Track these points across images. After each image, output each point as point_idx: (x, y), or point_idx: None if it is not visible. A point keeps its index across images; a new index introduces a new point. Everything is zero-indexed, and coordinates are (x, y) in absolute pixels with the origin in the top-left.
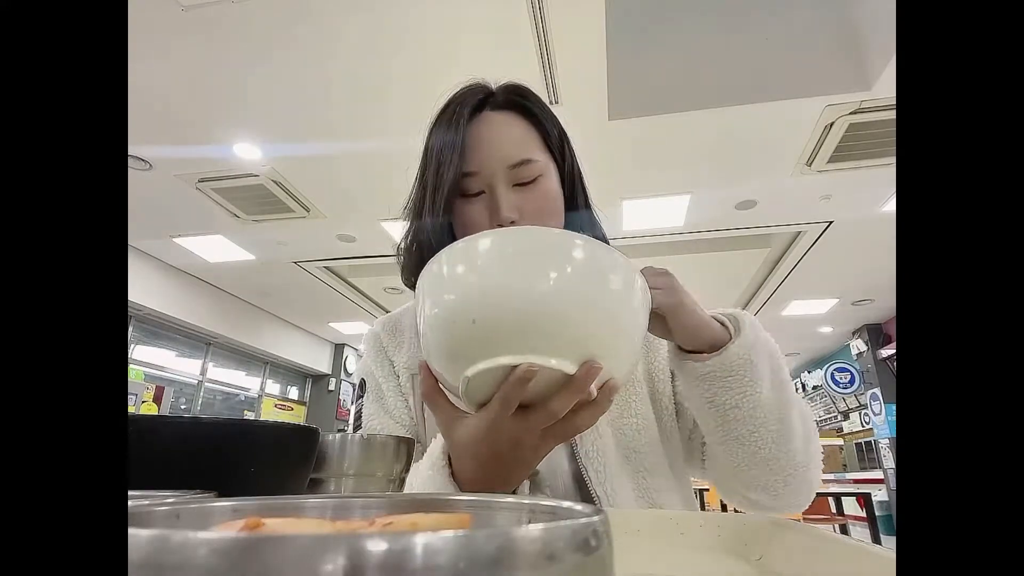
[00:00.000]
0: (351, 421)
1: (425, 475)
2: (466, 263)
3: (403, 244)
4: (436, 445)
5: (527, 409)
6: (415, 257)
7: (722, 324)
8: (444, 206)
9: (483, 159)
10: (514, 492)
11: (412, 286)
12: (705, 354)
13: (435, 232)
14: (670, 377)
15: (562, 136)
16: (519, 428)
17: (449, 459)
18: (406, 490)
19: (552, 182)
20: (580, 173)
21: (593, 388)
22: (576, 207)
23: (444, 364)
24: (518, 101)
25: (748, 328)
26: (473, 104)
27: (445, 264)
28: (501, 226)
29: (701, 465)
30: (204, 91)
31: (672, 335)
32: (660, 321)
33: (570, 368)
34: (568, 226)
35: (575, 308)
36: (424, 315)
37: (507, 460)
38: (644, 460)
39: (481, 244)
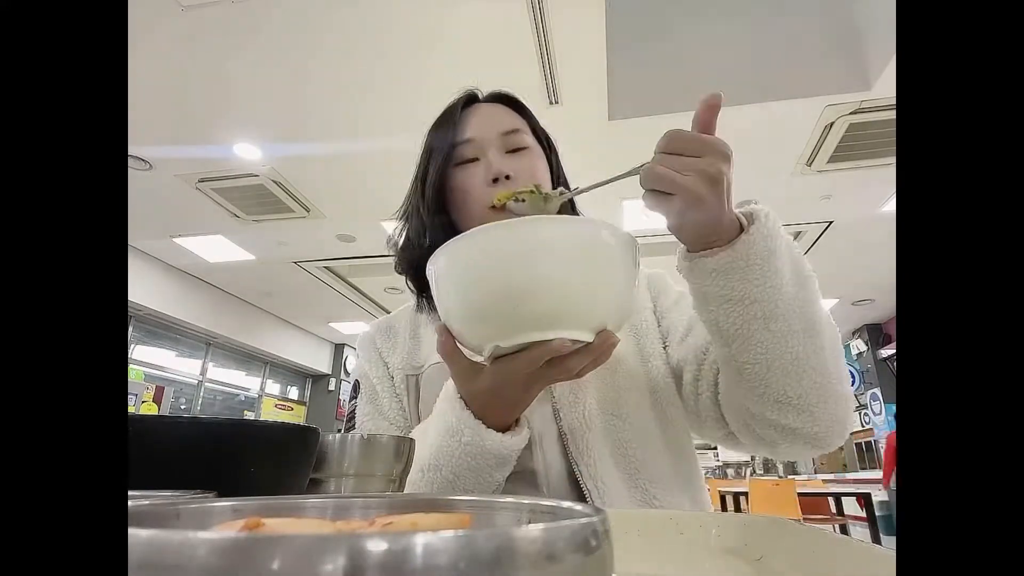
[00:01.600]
0: (344, 422)
1: (444, 407)
2: (500, 253)
3: (399, 239)
4: (449, 388)
5: (548, 363)
6: (413, 244)
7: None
8: (440, 175)
9: (476, 127)
10: (516, 423)
11: (409, 273)
12: (716, 248)
13: (432, 205)
14: (660, 342)
15: (548, 137)
16: (535, 376)
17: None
18: (416, 433)
19: (542, 159)
20: (564, 177)
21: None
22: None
23: (475, 336)
24: (507, 97)
25: (764, 218)
26: (465, 100)
27: (479, 252)
28: (496, 181)
29: (717, 413)
30: (204, 91)
31: (679, 233)
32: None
33: (588, 337)
34: None
35: (597, 289)
36: (453, 297)
37: (516, 399)
38: (634, 450)
39: (519, 232)
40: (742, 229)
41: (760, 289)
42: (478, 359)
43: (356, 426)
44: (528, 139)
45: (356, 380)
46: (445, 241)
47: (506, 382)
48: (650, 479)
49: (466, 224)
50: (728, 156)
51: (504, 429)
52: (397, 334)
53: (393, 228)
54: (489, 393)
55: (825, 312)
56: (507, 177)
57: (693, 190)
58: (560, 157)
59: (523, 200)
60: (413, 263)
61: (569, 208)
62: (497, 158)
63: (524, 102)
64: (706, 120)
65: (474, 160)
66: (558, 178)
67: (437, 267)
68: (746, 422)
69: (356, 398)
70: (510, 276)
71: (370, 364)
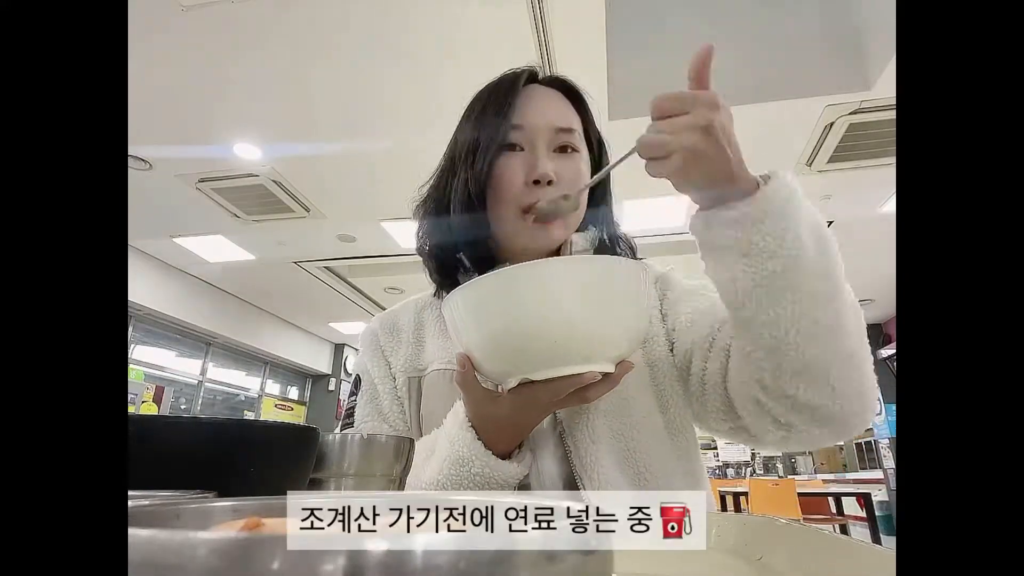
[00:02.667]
0: (341, 417)
1: (453, 436)
2: (539, 289)
3: (424, 244)
4: (459, 412)
5: (572, 393)
6: (443, 231)
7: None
8: (489, 157)
9: (531, 114)
10: (519, 448)
11: (433, 262)
12: (733, 201)
13: (471, 187)
14: (667, 344)
15: (601, 142)
16: (553, 405)
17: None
18: (419, 458)
19: (587, 166)
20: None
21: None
22: (604, 204)
23: (501, 367)
24: (571, 87)
25: (783, 175)
26: (525, 76)
27: (511, 289)
28: (538, 183)
29: (726, 400)
30: (204, 91)
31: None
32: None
33: (610, 368)
34: (592, 223)
35: (620, 325)
36: (477, 335)
37: (529, 424)
38: (643, 461)
39: (548, 273)
40: (758, 188)
41: (778, 244)
42: (490, 386)
43: (355, 424)
44: (580, 142)
45: (357, 375)
46: (475, 235)
47: (525, 410)
48: (656, 485)
49: (496, 219)
50: (716, 104)
51: (508, 454)
52: (401, 332)
53: (416, 207)
54: (504, 420)
55: (848, 287)
56: (549, 182)
57: (686, 146)
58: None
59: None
60: (439, 252)
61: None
62: (544, 156)
63: (586, 97)
64: (699, 72)
65: (519, 149)
66: (605, 186)
67: (461, 303)
68: (759, 402)
69: (356, 394)
70: (543, 317)
71: (372, 361)
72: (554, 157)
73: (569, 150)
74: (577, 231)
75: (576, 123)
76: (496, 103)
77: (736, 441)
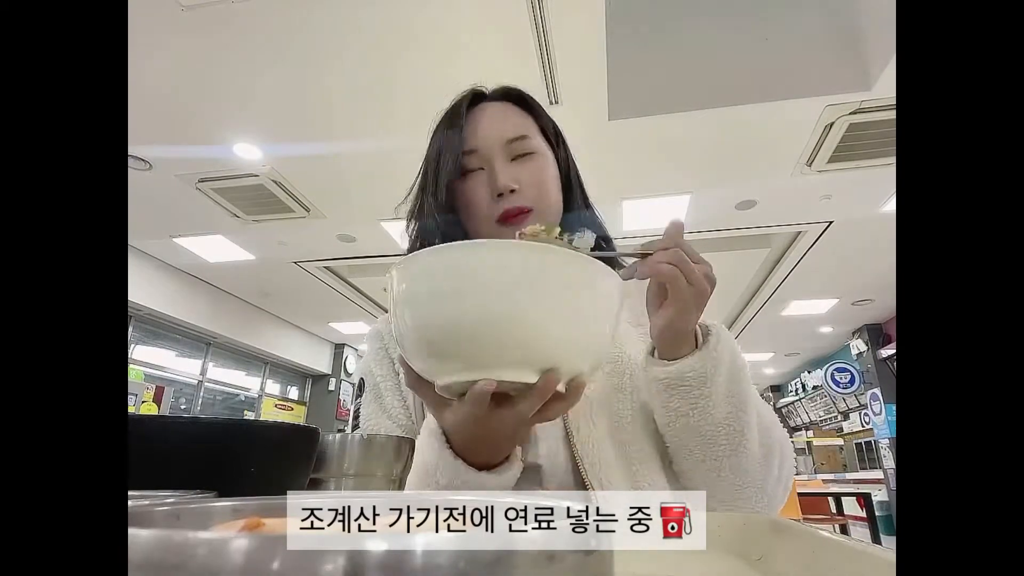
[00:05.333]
0: (350, 420)
1: (424, 442)
2: (421, 281)
3: (412, 235)
4: (430, 420)
5: (501, 405)
6: (428, 243)
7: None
8: (445, 187)
9: (481, 137)
10: (507, 459)
11: None
12: (666, 360)
13: (438, 214)
14: None
15: (557, 131)
16: (494, 420)
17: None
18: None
19: (549, 164)
20: (576, 170)
21: (561, 387)
22: (573, 203)
23: (420, 370)
24: (514, 93)
25: (713, 344)
26: (471, 98)
27: (404, 281)
28: (501, 195)
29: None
30: (204, 91)
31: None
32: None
33: (531, 378)
34: (566, 223)
35: (530, 325)
36: (397, 328)
37: (489, 440)
38: (637, 450)
39: (434, 261)
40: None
41: (690, 407)
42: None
43: (361, 425)
44: (535, 143)
45: (361, 378)
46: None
47: (465, 422)
48: (654, 477)
49: (475, 235)
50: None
51: (492, 464)
52: None
53: (404, 226)
54: (462, 429)
55: (757, 423)
56: (512, 191)
57: (703, 286)
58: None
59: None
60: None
61: (585, 204)
62: (503, 169)
63: (530, 97)
64: (679, 240)
65: (480, 170)
66: (568, 175)
67: (389, 287)
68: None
69: (360, 396)
70: (437, 310)
71: (376, 361)
72: (513, 166)
73: (527, 155)
74: (601, 253)
75: (529, 127)
76: (448, 135)
77: None
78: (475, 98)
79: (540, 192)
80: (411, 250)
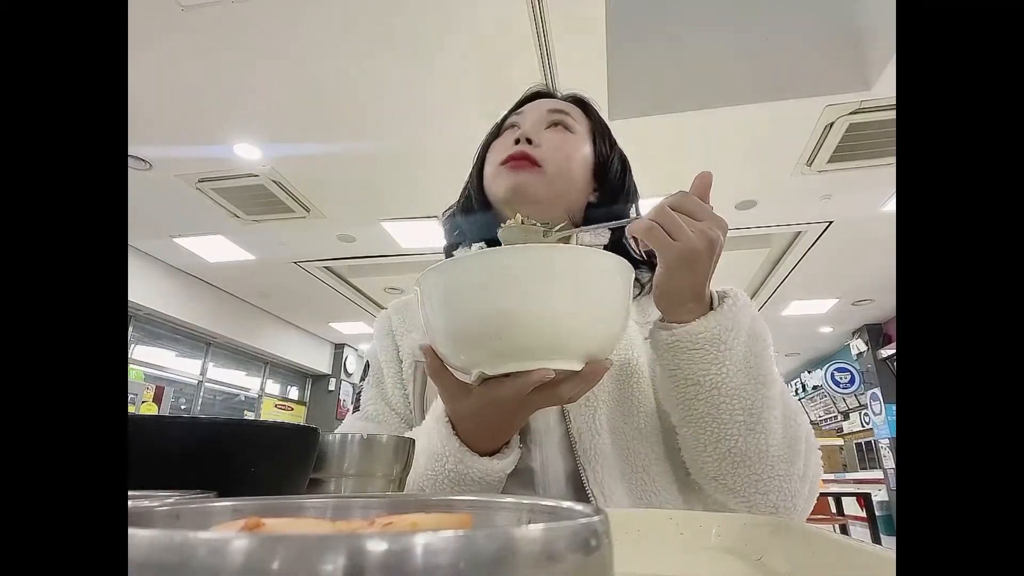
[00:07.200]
0: (351, 402)
1: (431, 427)
2: (485, 281)
3: (448, 244)
4: (438, 407)
5: (536, 389)
6: (461, 213)
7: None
8: (484, 144)
9: (527, 107)
10: (506, 445)
11: (450, 241)
12: (675, 325)
13: (476, 175)
14: None
15: (607, 132)
16: (525, 402)
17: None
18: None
19: (582, 144)
20: (621, 175)
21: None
22: (605, 200)
23: (460, 360)
24: (576, 96)
25: (729, 306)
26: (535, 91)
27: (463, 278)
28: (517, 141)
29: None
30: (204, 91)
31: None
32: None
33: (577, 366)
34: (591, 216)
35: (580, 319)
36: (438, 320)
37: (505, 423)
38: (641, 459)
39: (505, 260)
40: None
41: (702, 373)
42: (466, 378)
43: (361, 408)
44: (575, 125)
45: (367, 361)
46: (484, 234)
47: (492, 407)
48: (655, 491)
49: (488, 185)
50: (725, 229)
51: (492, 451)
52: (413, 316)
53: (444, 213)
54: (475, 415)
55: (782, 405)
56: (529, 140)
57: (693, 244)
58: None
59: (513, 227)
60: (455, 234)
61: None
62: (531, 124)
63: (588, 99)
64: (700, 195)
65: (515, 127)
66: (606, 172)
67: (424, 287)
68: (694, 476)
69: (364, 379)
70: (494, 305)
71: (381, 344)
72: (544, 130)
73: (561, 127)
74: (585, 228)
75: (576, 113)
76: (508, 112)
77: None
78: (537, 92)
79: (557, 159)
80: (449, 238)
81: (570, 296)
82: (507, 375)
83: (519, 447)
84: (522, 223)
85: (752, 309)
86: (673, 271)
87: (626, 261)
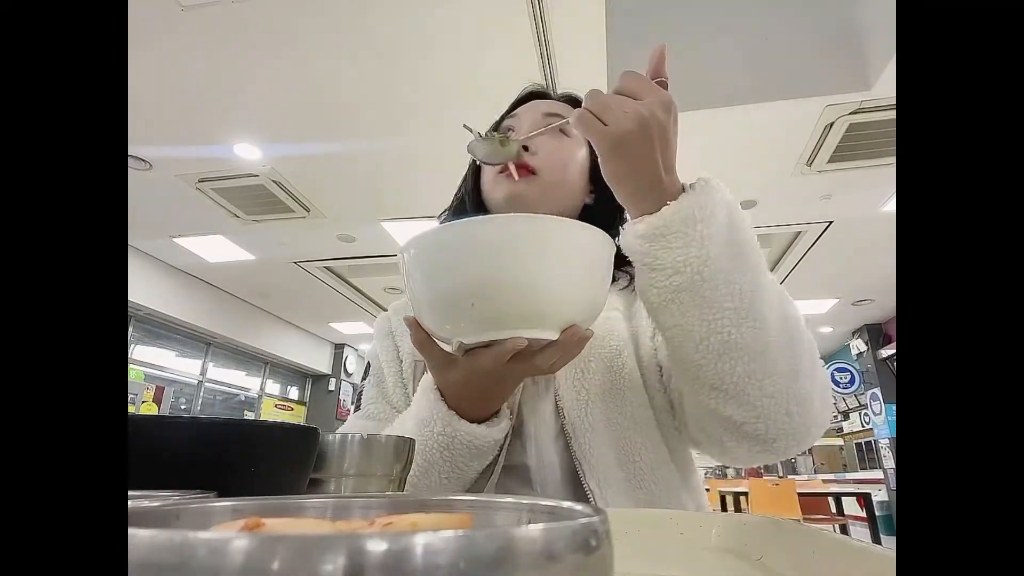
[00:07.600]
0: (352, 402)
1: (419, 397)
2: (460, 250)
3: (453, 203)
4: (427, 379)
5: (514, 359)
6: (456, 215)
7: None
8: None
9: (523, 107)
10: (496, 413)
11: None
12: (647, 215)
13: (471, 176)
14: (652, 335)
15: None
16: (505, 371)
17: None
18: (396, 424)
19: (578, 147)
20: None
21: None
22: (605, 201)
23: (440, 329)
24: (572, 96)
25: (701, 187)
26: (530, 91)
27: (439, 247)
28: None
29: (683, 416)
30: (204, 91)
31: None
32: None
33: (553, 335)
34: (587, 216)
35: (553, 288)
36: (418, 289)
37: (491, 392)
38: (637, 448)
39: (479, 229)
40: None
41: (683, 260)
42: (450, 348)
43: (362, 407)
44: (572, 129)
45: (368, 362)
46: (477, 211)
47: (476, 375)
48: (653, 481)
49: (485, 191)
50: (668, 107)
51: (481, 420)
52: None
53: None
54: (462, 384)
55: (776, 295)
56: (525, 148)
57: (622, 126)
58: None
59: (484, 138)
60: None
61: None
62: (527, 129)
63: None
64: (655, 69)
65: (510, 130)
66: (608, 190)
67: (406, 257)
68: (695, 416)
69: (365, 379)
70: (468, 274)
71: (382, 344)
72: (539, 136)
73: (557, 130)
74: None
75: (571, 115)
76: (504, 114)
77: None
78: (533, 92)
79: (553, 163)
80: (444, 213)
81: (542, 265)
82: (486, 345)
83: (509, 417)
84: (485, 136)
85: (727, 192)
86: (606, 158)
87: (602, 231)
